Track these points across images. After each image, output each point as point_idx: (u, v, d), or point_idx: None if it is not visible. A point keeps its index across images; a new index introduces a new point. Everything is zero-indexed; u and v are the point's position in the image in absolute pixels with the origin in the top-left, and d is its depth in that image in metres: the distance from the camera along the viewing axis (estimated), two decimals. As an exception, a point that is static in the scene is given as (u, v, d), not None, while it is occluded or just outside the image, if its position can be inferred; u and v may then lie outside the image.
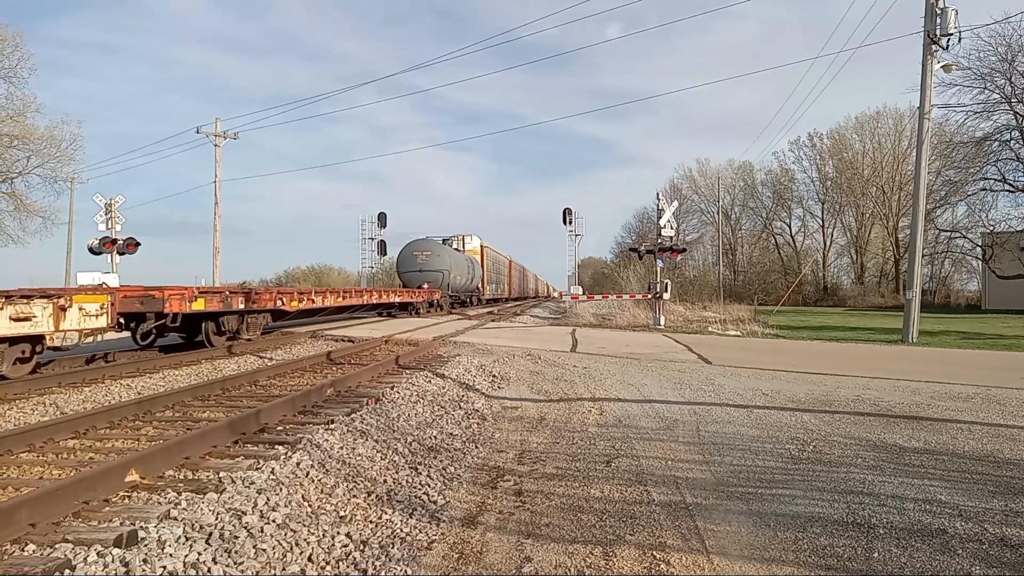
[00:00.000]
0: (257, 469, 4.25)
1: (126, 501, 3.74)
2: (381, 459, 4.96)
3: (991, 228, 28.66)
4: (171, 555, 2.99)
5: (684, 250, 24.69)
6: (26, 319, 7.65)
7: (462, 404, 7.37)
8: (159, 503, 3.64)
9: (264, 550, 3.16)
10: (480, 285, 39.12)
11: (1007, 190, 26.31)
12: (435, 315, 26.09)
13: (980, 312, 36.88)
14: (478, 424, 6.56)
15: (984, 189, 27.12)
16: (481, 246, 40.72)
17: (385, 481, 4.52)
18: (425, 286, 27.00)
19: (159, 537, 3.12)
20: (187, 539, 3.17)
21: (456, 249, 35.18)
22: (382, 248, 36.88)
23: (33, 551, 3.00)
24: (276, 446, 4.89)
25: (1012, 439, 5.76)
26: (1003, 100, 23.59)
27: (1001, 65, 23.08)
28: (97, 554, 2.93)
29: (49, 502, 3.39)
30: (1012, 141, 24.68)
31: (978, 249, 30.42)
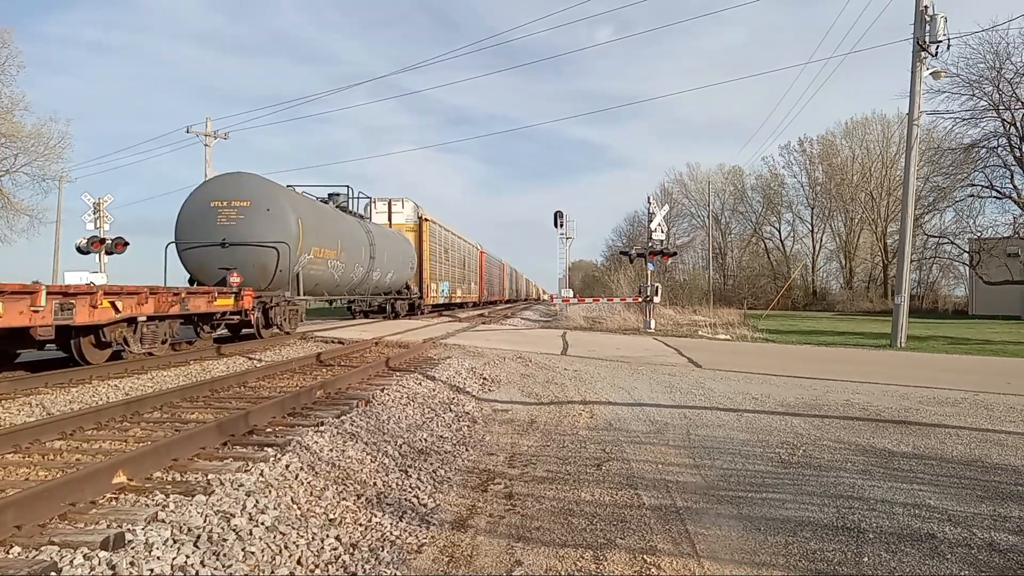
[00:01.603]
0: (246, 471, 4.22)
1: (113, 503, 3.70)
2: (371, 461, 4.94)
3: (978, 234, 28.93)
4: (158, 558, 2.96)
5: (674, 254, 24.80)
6: None
7: (452, 407, 7.35)
8: (147, 505, 3.61)
9: (253, 553, 3.14)
10: (414, 282, 25.90)
11: (994, 196, 26.57)
12: (424, 318, 25.93)
13: (967, 317, 37.20)
14: (468, 427, 6.54)
15: (972, 195, 27.41)
16: (420, 219, 27.25)
17: (375, 484, 4.50)
18: (234, 279, 12.59)
19: (146, 539, 3.09)
20: (175, 541, 3.13)
21: (353, 213, 20.33)
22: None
23: (18, 553, 2.97)
24: (265, 448, 4.86)
25: (1000, 444, 5.80)
26: (991, 107, 23.81)
27: (989, 72, 23.30)
28: (84, 556, 2.89)
29: (35, 504, 3.34)
30: (999, 148, 24.92)
31: (965, 255, 30.67)
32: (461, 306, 37.03)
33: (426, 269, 27.13)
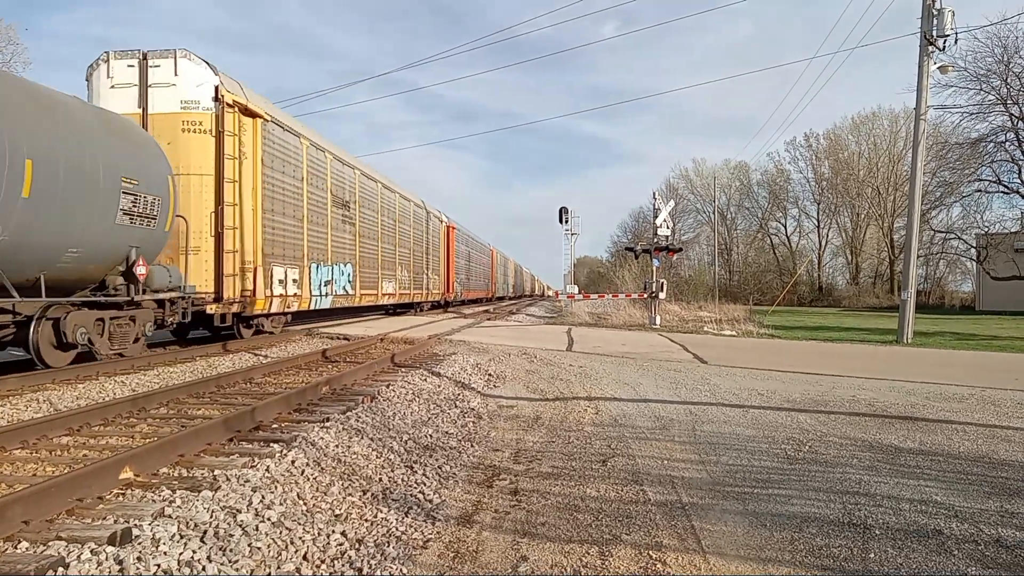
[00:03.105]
0: (252, 467, 4.23)
1: (120, 499, 3.71)
2: (377, 457, 4.95)
3: (986, 229, 28.84)
4: (165, 553, 2.97)
5: (680, 249, 24.75)
6: None
7: (458, 403, 7.35)
8: (153, 501, 3.62)
9: (259, 548, 3.15)
10: (178, 259, 10.94)
11: (1002, 191, 26.50)
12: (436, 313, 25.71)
13: (974, 313, 37.01)
14: (474, 423, 6.55)
15: (979, 190, 27.33)
16: (224, 105, 11.55)
17: (380, 479, 4.51)
18: None
19: (153, 535, 3.10)
20: (181, 537, 3.15)
21: None
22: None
23: (26, 548, 2.98)
24: (271, 444, 4.87)
25: (1007, 440, 5.78)
26: (998, 101, 23.72)
27: (997, 67, 23.21)
28: (91, 552, 2.90)
29: (42, 499, 3.36)
30: (1007, 143, 24.85)
31: (972, 250, 30.58)
32: (411, 307, 24.87)
33: (249, 228, 12.22)
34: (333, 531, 3.48)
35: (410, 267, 23.67)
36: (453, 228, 31.16)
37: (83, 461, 4.49)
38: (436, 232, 28.12)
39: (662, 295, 20.99)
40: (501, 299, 51.28)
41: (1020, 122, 23.89)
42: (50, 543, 3.00)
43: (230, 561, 3.00)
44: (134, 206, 9.24)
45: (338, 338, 14.18)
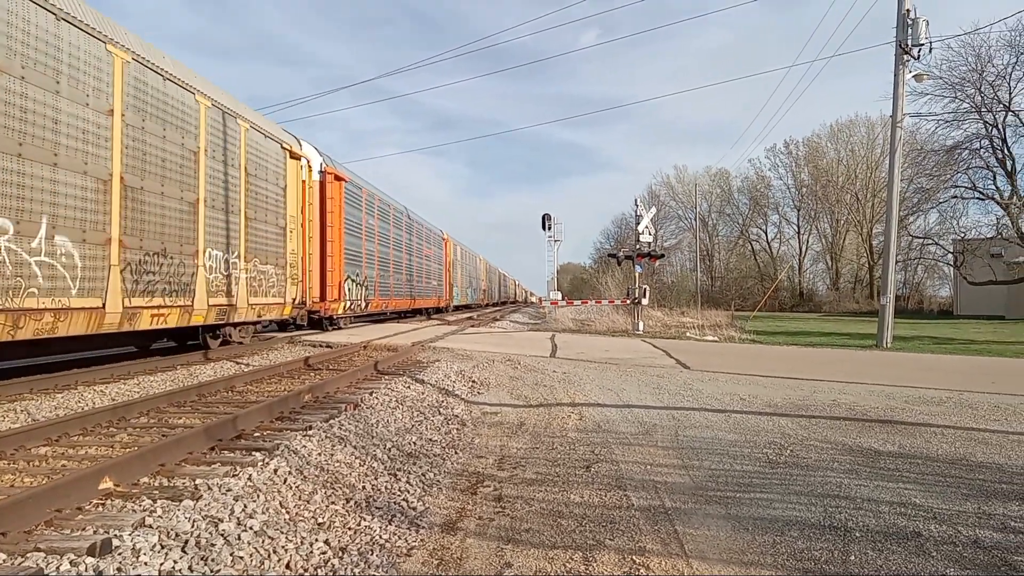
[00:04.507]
0: (234, 476, 4.19)
1: (100, 509, 3.67)
2: (360, 465, 4.93)
3: (962, 235, 29.23)
4: (146, 563, 2.94)
5: (662, 256, 24.89)
6: None
7: (441, 410, 7.34)
8: (134, 511, 3.58)
9: (241, 558, 3.12)
10: None
11: (977, 198, 26.83)
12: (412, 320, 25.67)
13: (952, 317, 37.57)
14: (457, 430, 6.54)
15: (955, 197, 27.65)
16: None
17: (364, 487, 4.49)
18: None
19: (133, 545, 3.07)
20: (162, 547, 3.12)
21: None
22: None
23: (3, 560, 2.94)
24: (253, 452, 4.84)
25: (984, 442, 5.87)
26: (973, 109, 24.06)
27: (971, 75, 23.54)
28: (70, 563, 2.87)
29: (20, 510, 3.31)
30: (982, 149, 25.18)
31: (950, 255, 30.98)
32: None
33: None
34: (316, 540, 3.46)
35: (98, 240, 8.36)
36: (338, 179, 17.37)
37: (62, 471, 4.43)
38: (277, 174, 13.87)
39: (645, 301, 21.10)
40: (469, 307, 41.08)
41: (994, 129, 24.31)
42: (28, 554, 2.96)
43: (212, 571, 2.98)
44: None
45: (320, 346, 14.11)
